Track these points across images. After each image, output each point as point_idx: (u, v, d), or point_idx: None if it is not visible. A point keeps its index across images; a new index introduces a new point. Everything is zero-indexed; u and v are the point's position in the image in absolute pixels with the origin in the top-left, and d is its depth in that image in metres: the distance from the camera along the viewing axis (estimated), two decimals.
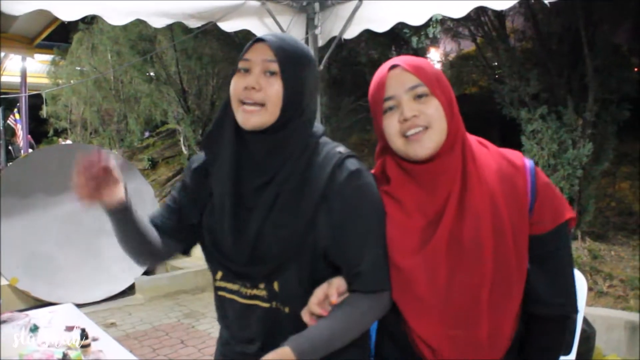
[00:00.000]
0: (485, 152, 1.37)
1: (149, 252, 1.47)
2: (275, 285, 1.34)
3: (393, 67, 1.34)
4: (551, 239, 1.32)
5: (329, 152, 1.37)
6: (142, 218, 1.44)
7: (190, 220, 1.49)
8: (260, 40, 1.33)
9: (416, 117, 1.29)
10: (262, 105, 1.30)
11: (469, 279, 1.26)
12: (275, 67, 1.30)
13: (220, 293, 1.46)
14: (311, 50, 1.56)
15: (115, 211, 1.35)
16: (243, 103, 1.32)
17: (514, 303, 1.30)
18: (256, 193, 1.34)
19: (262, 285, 1.36)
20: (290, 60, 1.32)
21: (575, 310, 1.36)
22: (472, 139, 1.39)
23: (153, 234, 1.46)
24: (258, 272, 1.34)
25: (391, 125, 1.33)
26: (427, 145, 1.29)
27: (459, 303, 1.27)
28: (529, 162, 1.34)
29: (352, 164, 1.34)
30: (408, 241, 1.31)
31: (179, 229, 1.50)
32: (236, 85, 1.34)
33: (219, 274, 1.44)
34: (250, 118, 1.31)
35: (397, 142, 1.33)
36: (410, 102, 1.30)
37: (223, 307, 1.47)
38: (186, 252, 1.60)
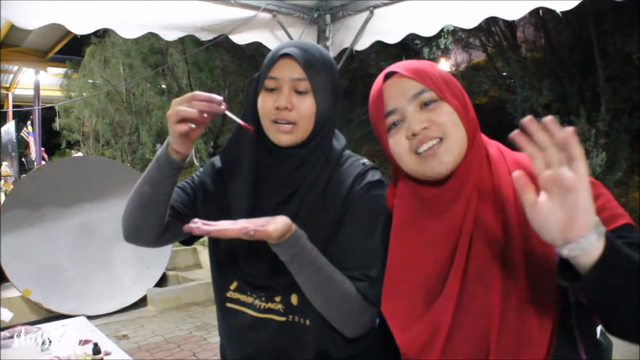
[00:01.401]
0: (502, 162, 1.12)
1: (161, 227, 1.35)
2: (293, 299, 1.30)
3: (389, 75, 1.14)
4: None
5: (353, 163, 1.35)
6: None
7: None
8: (285, 55, 1.26)
9: (427, 129, 1.07)
10: (295, 123, 1.26)
11: (474, 328, 1.03)
12: (306, 85, 1.25)
13: (229, 305, 1.40)
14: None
15: (177, 164, 1.26)
16: (276, 122, 1.27)
17: (535, 352, 0.99)
18: (279, 207, 1.30)
19: (278, 299, 1.31)
20: (319, 75, 1.27)
21: None
22: (493, 146, 1.17)
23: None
24: (277, 285, 1.28)
25: (399, 144, 1.12)
26: (445, 159, 1.07)
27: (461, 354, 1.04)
28: None
29: (373, 175, 1.33)
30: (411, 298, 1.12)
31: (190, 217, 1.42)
32: (265, 104, 1.28)
33: (234, 284, 1.39)
34: (283, 136, 1.27)
35: (408, 163, 1.11)
36: (417, 112, 1.10)
37: (230, 320, 1.41)
38: (189, 242, 1.51)
